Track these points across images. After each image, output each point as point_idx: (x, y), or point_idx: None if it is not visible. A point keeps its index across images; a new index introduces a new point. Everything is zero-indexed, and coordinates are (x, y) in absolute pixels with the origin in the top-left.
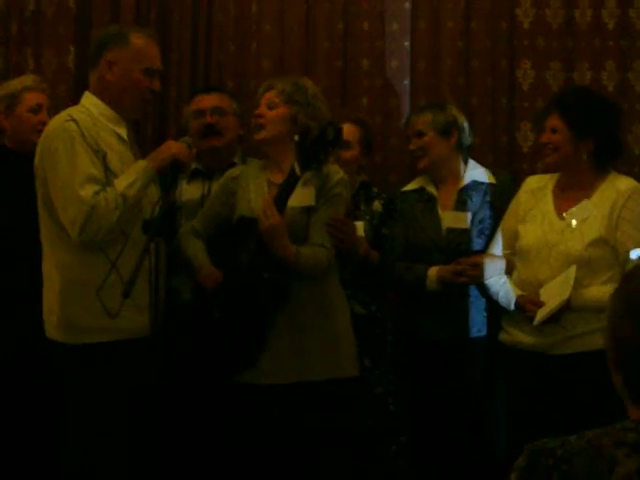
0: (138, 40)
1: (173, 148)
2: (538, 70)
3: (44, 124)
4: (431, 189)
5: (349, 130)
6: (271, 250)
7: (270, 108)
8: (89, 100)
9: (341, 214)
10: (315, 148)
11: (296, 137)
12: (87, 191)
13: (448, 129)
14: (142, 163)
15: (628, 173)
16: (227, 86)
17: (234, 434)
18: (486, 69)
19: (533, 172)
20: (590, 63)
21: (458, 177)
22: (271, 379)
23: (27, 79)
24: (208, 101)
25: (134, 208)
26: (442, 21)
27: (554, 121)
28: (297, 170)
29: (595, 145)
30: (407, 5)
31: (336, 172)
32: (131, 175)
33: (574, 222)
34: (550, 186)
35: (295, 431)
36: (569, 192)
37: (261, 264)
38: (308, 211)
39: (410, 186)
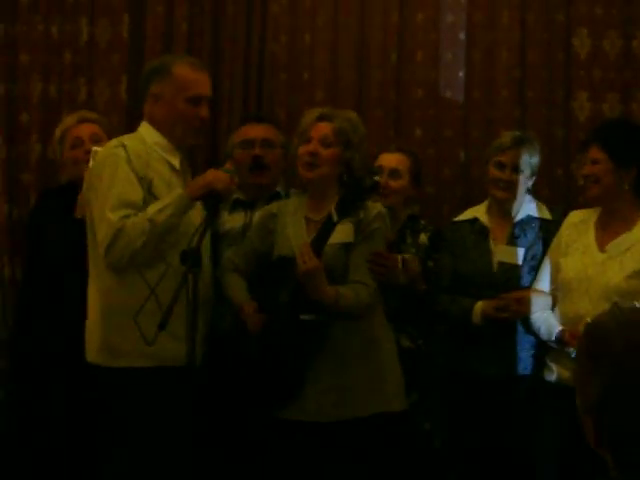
0: (180, 69)
1: (209, 177)
2: (594, 102)
3: (87, 152)
4: (485, 220)
5: (399, 159)
6: (309, 293)
7: (324, 145)
8: (145, 129)
9: (381, 248)
10: (352, 197)
11: (345, 177)
12: (116, 214)
13: (535, 172)
14: (178, 191)
15: None
16: (279, 117)
17: (274, 473)
18: (541, 100)
19: (589, 206)
20: None
21: (514, 210)
22: (312, 417)
23: (68, 119)
24: (257, 132)
25: (164, 234)
26: (497, 51)
27: (594, 153)
28: (334, 217)
29: (637, 175)
30: (462, 35)
31: (373, 207)
32: (164, 202)
33: (614, 255)
34: (592, 220)
35: (338, 470)
36: (611, 225)
37: (300, 304)
38: (347, 248)
39: (463, 216)
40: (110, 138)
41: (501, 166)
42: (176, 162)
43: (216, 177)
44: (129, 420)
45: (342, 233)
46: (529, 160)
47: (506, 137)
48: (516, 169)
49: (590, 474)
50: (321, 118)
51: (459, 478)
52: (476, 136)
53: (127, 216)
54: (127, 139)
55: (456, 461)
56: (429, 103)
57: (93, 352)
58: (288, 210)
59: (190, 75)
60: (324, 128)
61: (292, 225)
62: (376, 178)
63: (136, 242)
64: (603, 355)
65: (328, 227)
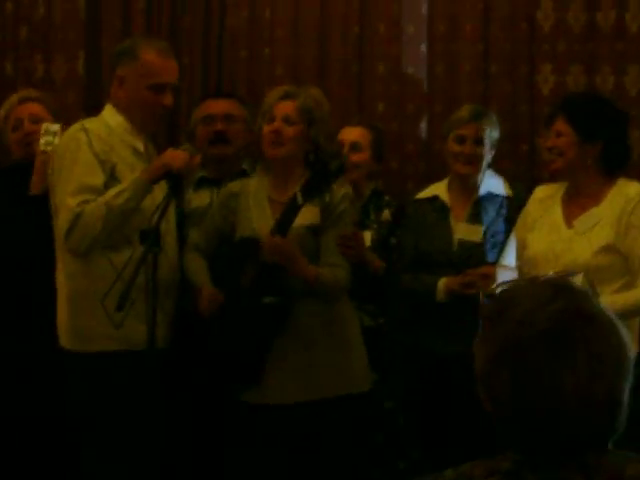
0: (147, 55)
1: (166, 157)
2: (558, 75)
3: (27, 135)
4: (445, 199)
5: (360, 133)
6: (291, 273)
7: (288, 123)
8: (108, 111)
9: (349, 229)
10: (318, 179)
11: (311, 156)
12: (75, 200)
13: (496, 145)
14: (135, 174)
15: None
16: (239, 93)
17: (236, 455)
18: (505, 74)
19: (554, 181)
20: (612, 67)
21: (474, 187)
22: (276, 399)
23: (10, 99)
24: (219, 107)
25: (122, 218)
26: (460, 24)
27: (559, 125)
28: (299, 199)
29: (602, 150)
30: (424, 9)
31: (339, 187)
32: (121, 186)
33: (582, 230)
34: (559, 195)
35: (301, 452)
36: (577, 200)
37: (262, 288)
38: (313, 230)
39: (424, 194)
40: (61, 115)
41: (461, 140)
42: (140, 146)
43: (173, 156)
44: (99, 404)
45: (308, 215)
46: (489, 133)
47: (465, 110)
48: (478, 142)
49: None
50: (284, 97)
51: (423, 456)
52: (439, 111)
53: (86, 201)
54: (89, 122)
55: (420, 439)
56: (392, 78)
57: (63, 336)
58: (250, 190)
59: (156, 61)
60: (287, 106)
61: (255, 206)
62: (341, 161)
63: (94, 227)
64: (499, 321)
65: (292, 209)
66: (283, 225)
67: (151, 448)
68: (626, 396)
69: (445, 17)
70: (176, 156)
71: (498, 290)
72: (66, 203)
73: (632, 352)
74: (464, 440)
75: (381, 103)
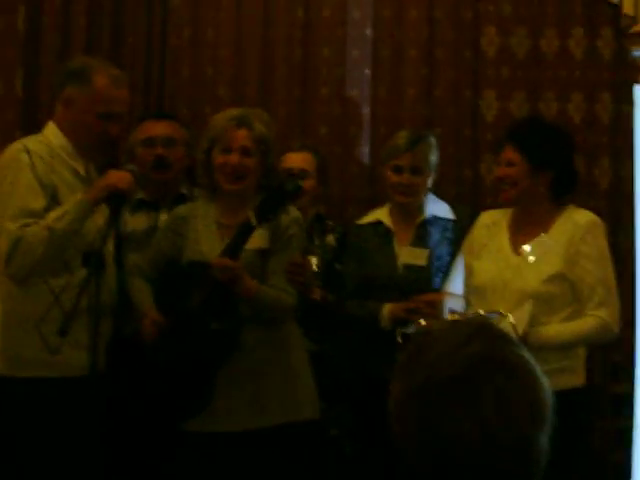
0: (101, 81)
1: (112, 178)
2: (502, 101)
3: None
4: (388, 223)
5: (306, 158)
6: (235, 292)
7: (246, 155)
8: (51, 130)
9: (298, 256)
10: (274, 201)
11: (264, 181)
12: (15, 224)
13: (435, 169)
14: (77, 196)
15: (595, 208)
16: (181, 113)
17: None
18: (449, 99)
19: (497, 206)
20: (556, 93)
21: (417, 211)
22: (223, 427)
23: None
24: (159, 129)
25: (64, 242)
26: (405, 49)
27: (510, 154)
28: (253, 221)
29: (554, 177)
30: (368, 32)
31: (289, 211)
32: (63, 208)
33: (531, 258)
34: (505, 221)
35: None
36: (525, 227)
37: (210, 312)
38: (262, 254)
39: (366, 219)
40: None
41: (398, 170)
42: (81, 168)
43: (118, 177)
44: (29, 433)
45: (257, 239)
46: (427, 159)
47: (401, 139)
48: (415, 171)
49: None
50: (238, 124)
51: None
52: (383, 134)
53: (27, 225)
54: (31, 142)
55: (367, 468)
56: (335, 100)
57: None
58: (198, 213)
59: (109, 90)
60: (243, 137)
61: (203, 230)
62: (299, 183)
63: (35, 252)
64: (414, 362)
65: (245, 231)
66: (234, 247)
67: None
68: (543, 444)
69: (390, 40)
70: (121, 177)
71: (418, 330)
72: (6, 227)
73: (549, 399)
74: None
75: (323, 126)
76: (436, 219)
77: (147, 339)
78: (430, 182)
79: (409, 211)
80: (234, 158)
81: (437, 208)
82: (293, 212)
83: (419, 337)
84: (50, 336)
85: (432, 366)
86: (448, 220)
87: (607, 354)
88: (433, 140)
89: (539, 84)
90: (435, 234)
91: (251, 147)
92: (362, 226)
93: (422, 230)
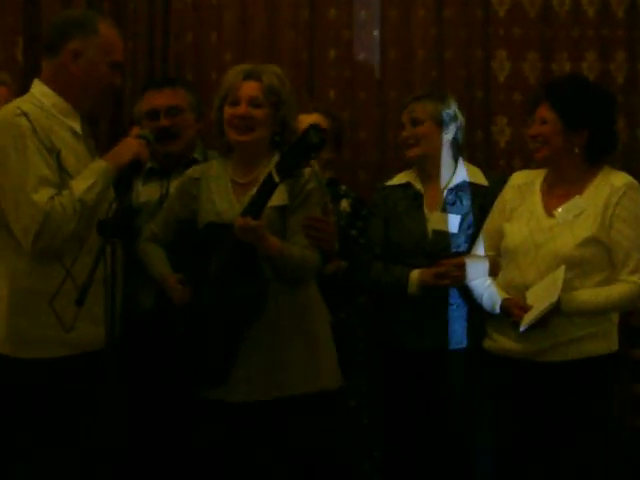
0: (107, 30)
1: (134, 147)
2: (514, 61)
3: None
4: (418, 186)
5: (317, 120)
6: (260, 251)
7: (254, 106)
8: (40, 89)
9: (318, 212)
10: (297, 154)
11: (277, 138)
12: (41, 196)
13: (447, 122)
14: (101, 164)
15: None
16: (186, 78)
17: (203, 455)
18: (460, 60)
19: (510, 169)
20: (569, 53)
21: (446, 176)
22: (244, 396)
23: None
24: (161, 99)
25: (92, 213)
26: (413, 9)
27: (544, 111)
28: (275, 178)
29: (589, 137)
30: None
31: (307, 167)
32: (90, 177)
33: (564, 220)
34: (538, 182)
35: (269, 450)
36: (559, 188)
37: (233, 274)
38: (281, 211)
39: (395, 180)
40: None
41: (402, 126)
42: (77, 127)
43: (139, 146)
44: (44, 414)
45: (275, 195)
46: (432, 110)
47: (407, 97)
48: (414, 122)
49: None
50: (247, 77)
51: (384, 456)
52: (392, 98)
53: (52, 197)
54: (25, 104)
55: (384, 438)
56: (343, 64)
57: (1, 341)
58: (211, 174)
59: (115, 38)
60: (252, 88)
61: (217, 190)
62: (322, 134)
63: (69, 225)
64: None
65: (268, 188)
66: (257, 205)
67: (111, 452)
68: None
69: (397, 2)
70: (141, 145)
71: None
72: (31, 200)
73: None
74: (430, 437)
75: (332, 90)
76: (467, 184)
77: (178, 302)
78: (447, 137)
79: (428, 171)
80: (241, 108)
81: (469, 174)
82: (310, 166)
83: None
84: (64, 312)
85: None
86: (480, 186)
87: (624, 318)
88: (447, 96)
89: (552, 43)
90: (466, 200)
91: (259, 97)
92: (390, 187)
93: (453, 195)
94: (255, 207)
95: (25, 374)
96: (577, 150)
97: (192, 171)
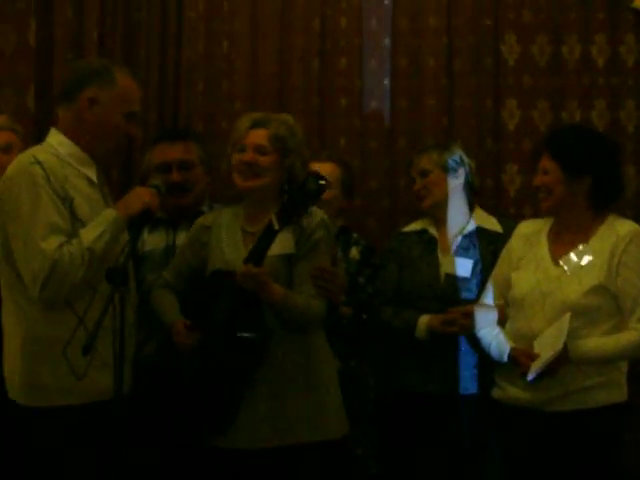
0: (124, 79)
1: (145, 196)
2: (524, 110)
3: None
4: (433, 231)
5: (329, 169)
6: (262, 299)
7: (260, 153)
8: (56, 138)
9: (326, 261)
10: (296, 202)
11: (285, 186)
12: (50, 244)
13: (455, 168)
14: (111, 213)
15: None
16: (196, 128)
17: None
18: (470, 108)
19: (520, 217)
20: (579, 102)
21: (462, 221)
22: (247, 443)
23: None
24: (174, 153)
25: (102, 262)
26: (423, 58)
27: (545, 162)
28: (275, 224)
29: (591, 185)
30: (386, 41)
31: (315, 213)
32: (99, 226)
33: (571, 269)
34: (544, 230)
35: None
36: (565, 236)
37: (236, 322)
38: (288, 260)
39: (411, 227)
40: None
41: (413, 180)
42: (93, 175)
43: (150, 195)
44: (62, 461)
45: (281, 244)
46: (438, 159)
47: (412, 153)
48: (423, 174)
49: None
50: (254, 125)
51: None
52: (402, 146)
53: (61, 245)
54: (40, 153)
55: None
56: (353, 112)
57: (15, 390)
58: (222, 222)
59: (132, 88)
60: (259, 135)
61: (227, 238)
62: (322, 182)
63: (77, 274)
64: None
65: (268, 236)
66: (258, 253)
67: None
68: None
69: (408, 50)
70: (152, 195)
71: None
72: (39, 248)
73: None
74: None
75: (343, 138)
76: (482, 231)
77: (183, 348)
78: (455, 183)
79: (439, 218)
80: (247, 155)
81: (482, 219)
82: (319, 214)
83: None
84: (77, 361)
85: None
86: (494, 232)
87: (633, 367)
88: (454, 144)
89: (561, 92)
90: (480, 246)
91: (266, 145)
92: (406, 233)
93: (467, 241)
94: (256, 254)
95: (39, 422)
96: (580, 198)
97: (203, 219)
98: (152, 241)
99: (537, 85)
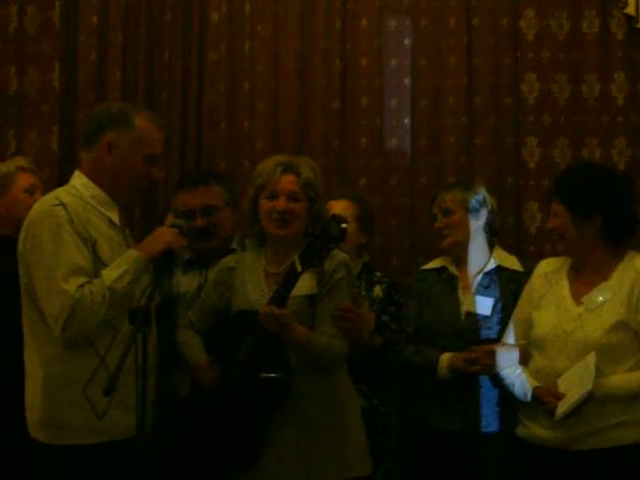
0: (143, 123)
1: (167, 237)
2: (544, 147)
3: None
4: (453, 269)
5: (344, 206)
6: (285, 341)
7: (293, 200)
8: (80, 181)
9: (347, 301)
10: (318, 245)
11: (311, 229)
12: (71, 284)
13: (478, 208)
14: (133, 253)
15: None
16: (219, 168)
17: None
18: (490, 146)
19: (541, 254)
20: (599, 139)
21: (482, 260)
22: None
23: (20, 160)
24: (196, 200)
25: (123, 302)
26: (443, 97)
27: (555, 205)
28: (298, 267)
29: (603, 224)
30: (407, 80)
31: (336, 255)
32: (121, 267)
33: (592, 307)
34: (565, 269)
35: None
36: (585, 275)
37: (258, 362)
38: (310, 300)
39: (431, 265)
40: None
41: (435, 217)
42: (115, 217)
43: (173, 235)
44: None
45: (304, 284)
46: (462, 199)
47: (436, 190)
48: (445, 213)
49: None
50: (285, 170)
51: None
52: (423, 184)
53: (82, 285)
54: (64, 195)
55: None
56: (374, 151)
57: (35, 428)
58: (246, 264)
59: (151, 131)
60: (291, 182)
61: (251, 279)
62: (343, 226)
63: (97, 314)
64: None
65: (292, 277)
66: (281, 295)
67: None
68: None
69: (428, 89)
70: (174, 235)
71: None
72: (61, 289)
73: None
74: None
75: (363, 176)
76: (502, 269)
77: (207, 384)
78: (477, 224)
79: (460, 257)
80: (281, 203)
81: (503, 258)
82: (340, 255)
83: None
84: (97, 400)
85: None
86: (515, 271)
87: None
88: (476, 184)
89: (581, 130)
90: (500, 284)
91: (298, 192)
92: (427, 271)
93: (488, 279)
94: (279, 296)
95: (58, 461)
96: (593, 238)
97: (228, 260)
98: (186, 282)
99: (557, 123)
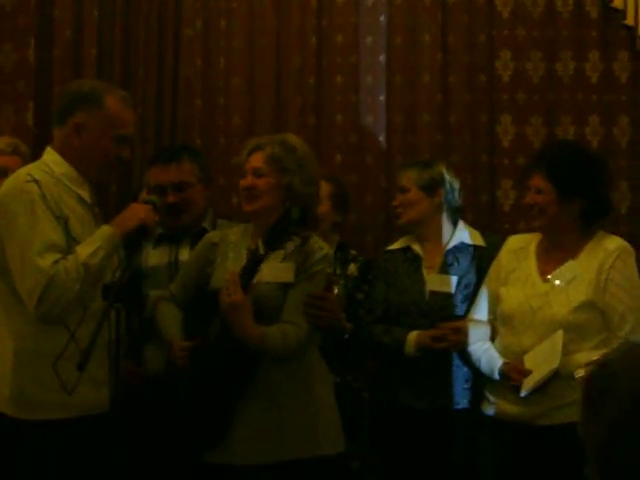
0: (113, 103)
1: (141, 213)
2: (518, 126)
3: None
4: (417, 248)
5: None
6: (232, 330)
7: (258, 176)
8: (51, 157)
9: (320, 290)
10: (279, 229)
11: (287, 204)
12: (46, 260)
13: (432, 187)
14: (107, 230)
15: (614, 232)
16: (194, 144)
17: None
18: (464, 125)
19: (515, 232)
20: (573, 117)
21: (444, 238)
22: (242, 459)
23: None
24: (167, 176)
25: (96, 277)
26: (418, 74)
27: (538, 181)
28: (261, 249)
29: (583, 206)
30: (382, 58)
31: (320, 248)
32: (94, 242)
33: (559, 285)
34: (533, 246)
35: None
36: (553, 252)
37: (226, 342)
38: (285, 288)
39: (396, 245)
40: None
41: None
42: (86, 195)
43: (146, 212)
44: (44, 475)
45: (282, 272)
46: (416, 177)
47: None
48: (401, 191)
49: None
50: (253, 149)
51: None
52: (398, 162)
53: (57, 261)
54: (36, 171)
55: None
56: (349, 128)
57: (4, 402)
58: (231, 240)
59: (122, 112)
60: (255, 159)
61: (232, 257)
62: (304, 209)
63: (71, 290)
64: (608, 399)
65: (254, 260)
66: (244, 277)
67: None
68: None
69: (403, 66)
70: (148, 212)
71: (593, 367)
72: (35, 265)
73: None
74: None
75: (339, 154)
76: (465, 246)
77: (179, 364)
78: (433, 202)
79: (429, 237)
80: (247, 180)
81: (465, 235)
82: (325, 249)
83: (600, 374)
84: (67, 375)
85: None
86: (477, 247)
87: None
88: (429, 161)
89: (555, 108)
90: (463, 261)
91: (262, 167)
92: (392, 251)
93: (450, 256)
94: (242, 279)
95: (26, 435)
96: (572, 218)
97: (212, 235)
98: (156, 256)
99: (531, 101)
